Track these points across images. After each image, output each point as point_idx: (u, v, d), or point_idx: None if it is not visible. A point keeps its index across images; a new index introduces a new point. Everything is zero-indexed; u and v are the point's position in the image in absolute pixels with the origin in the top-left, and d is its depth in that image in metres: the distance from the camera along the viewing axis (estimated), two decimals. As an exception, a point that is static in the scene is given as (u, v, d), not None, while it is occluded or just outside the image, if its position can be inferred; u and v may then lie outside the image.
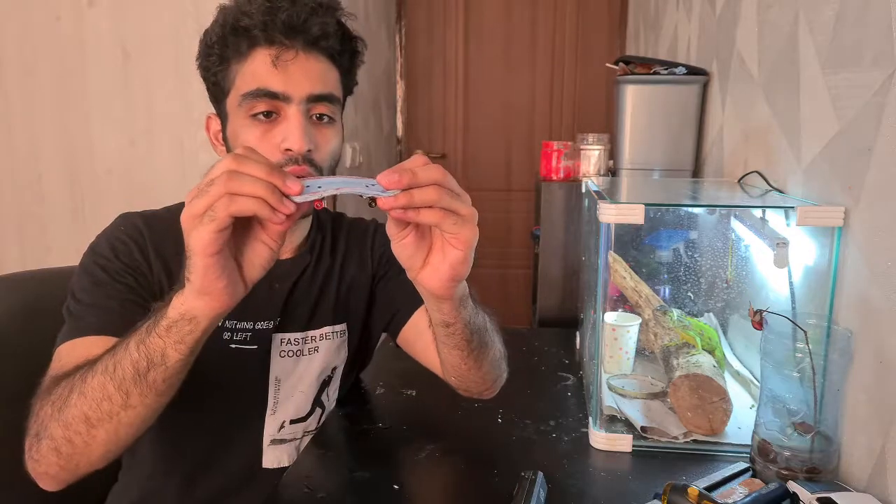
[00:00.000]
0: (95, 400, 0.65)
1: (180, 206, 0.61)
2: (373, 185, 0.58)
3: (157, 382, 0.65)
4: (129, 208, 0.90)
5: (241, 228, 0.60)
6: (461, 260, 0.64)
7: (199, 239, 0.56)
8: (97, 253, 0.84)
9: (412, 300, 0.97)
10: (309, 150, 0.81)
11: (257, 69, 0.82)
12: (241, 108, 0.82)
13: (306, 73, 0.82)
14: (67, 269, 0.86)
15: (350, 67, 0.90)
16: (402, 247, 0.65)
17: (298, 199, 0.57)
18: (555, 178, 1.75)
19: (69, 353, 0.76)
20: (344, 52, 0.87)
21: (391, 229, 0.65)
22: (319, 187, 0.58)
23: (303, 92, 0.81)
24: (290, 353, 0.93)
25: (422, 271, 0.66)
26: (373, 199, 0.59)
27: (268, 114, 0.81)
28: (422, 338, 0.95)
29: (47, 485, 0.72)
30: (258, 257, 0.62)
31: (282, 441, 0.93)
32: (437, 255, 0.65)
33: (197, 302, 0.60)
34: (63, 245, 2.02)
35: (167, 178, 1.93)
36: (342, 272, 0.99)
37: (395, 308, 0.99)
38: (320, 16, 0.83)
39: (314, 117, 0.84)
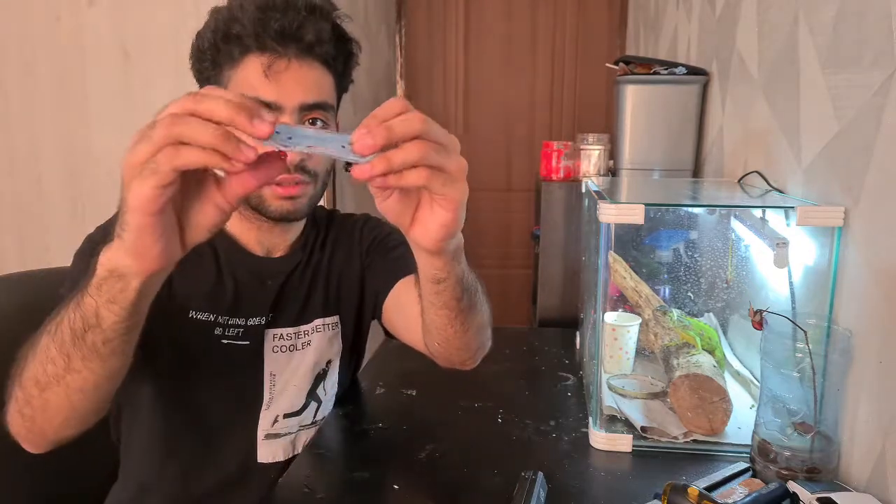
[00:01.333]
0: (42, 362, 0.63)
1: None
2: (349, 144, 0.49)
3: (97, 345, 0.59)
4: (129, 208, 0.90)
5: (193, 184, 0.52)
6: (451, 220, 0.57)
7: (138, 195, 0.48)
8: (92, 240, 0.85)
9: (388, 278, 0.96)
10: (301, 160, 0.82)
11: (249, 77, 0.81)
12: None
13: (299, 82, 0.82)
14: (67, 268, 0.86)
15: (345, 70, 0.90)
16: (387, 207, 0.58)
17: (266, 144, 0.48)
18: (555, 178, 1.74)
19: None
20: (339, 56, 0.87)
21: (373, 188, 0.56)
22: (290, 138, 0.49)
23: (294, 101, 0.81)
24: (284, 349, 0.93)
25: (412, 228, 0.59)
26: (349, 164, 0.51)
27: None
28: (403, 312, 0.92)
29: (26, 446, 0.71)
30: (206, 219, 0.53)
31: (276, 436, 0.93)
32: (426, 213, 0.58)
33: (126, 260, 0.53)
34: (62, 245, 2.01)
35: (167, 178, 1.92)
36: (330, 266, 1.00)
37: (377, 291, 0.99)
38: (314, 22, 0.82)
39: (307, 123, 0.84)
